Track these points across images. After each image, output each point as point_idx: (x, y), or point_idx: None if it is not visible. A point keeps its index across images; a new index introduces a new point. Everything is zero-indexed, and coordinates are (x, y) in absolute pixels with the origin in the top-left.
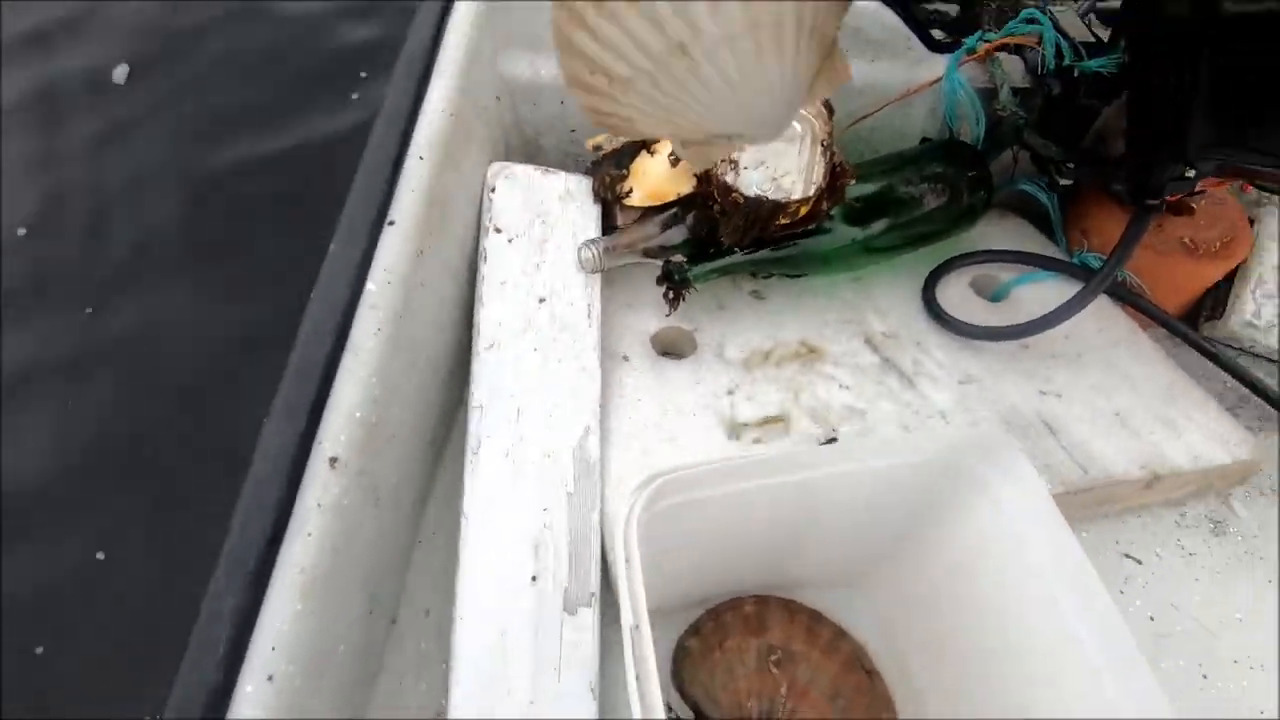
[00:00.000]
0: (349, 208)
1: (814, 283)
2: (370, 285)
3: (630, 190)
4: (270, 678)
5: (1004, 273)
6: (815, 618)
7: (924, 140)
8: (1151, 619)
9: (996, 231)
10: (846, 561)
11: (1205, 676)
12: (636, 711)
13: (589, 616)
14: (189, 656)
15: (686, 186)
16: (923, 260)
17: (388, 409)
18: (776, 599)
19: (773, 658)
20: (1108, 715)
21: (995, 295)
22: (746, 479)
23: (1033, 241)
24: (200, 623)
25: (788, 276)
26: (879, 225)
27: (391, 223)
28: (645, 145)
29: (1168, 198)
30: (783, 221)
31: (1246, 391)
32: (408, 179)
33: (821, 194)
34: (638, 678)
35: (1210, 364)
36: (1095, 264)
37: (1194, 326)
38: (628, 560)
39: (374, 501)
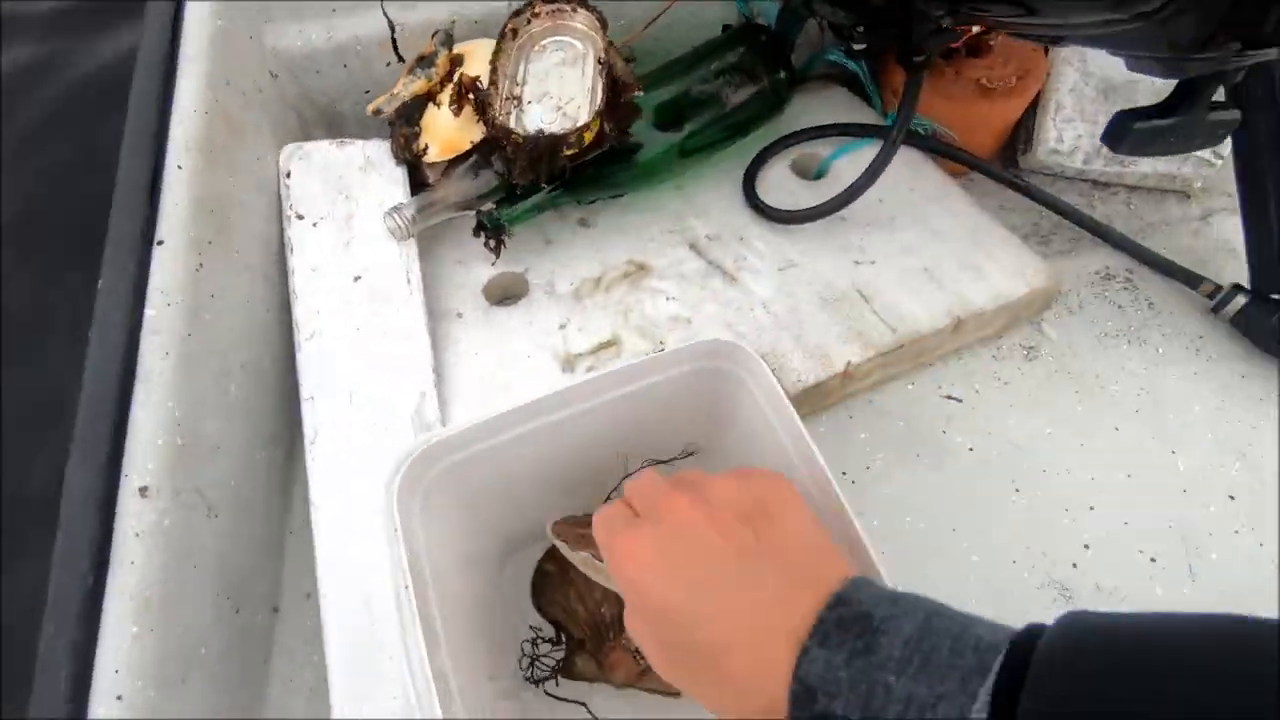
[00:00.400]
0: (111, 234)
1: (637, 199)
2: (149, 311)
3: (426, 146)
4: (119, 697)
5: (824, 149)
6: None
7: (725, 28)
8: (971, 450)
9: (819, 104)
10: (674, 468)
11: (1018, 490)
12: (417, 665)
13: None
14: (35, 694)
15: (479, 133)
16: (742, 153)
17: (199, 425)
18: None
19: None
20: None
21: (817, 173)
22: (518, 425)
23: (853, 109)
24: (39, 665)
25: (611, 198)
26: (689, 126)
27: (160, 243)
28: (430, 97)
29: (941, 48)
30: (569, 152)
31: (1059, 219)
32: (170, 193)
33: (600, 115)
34: (412, 636)
35: (1024, 197)
36: None
37: (1013, 163)
38: (395, 529)
39: (207, 513)
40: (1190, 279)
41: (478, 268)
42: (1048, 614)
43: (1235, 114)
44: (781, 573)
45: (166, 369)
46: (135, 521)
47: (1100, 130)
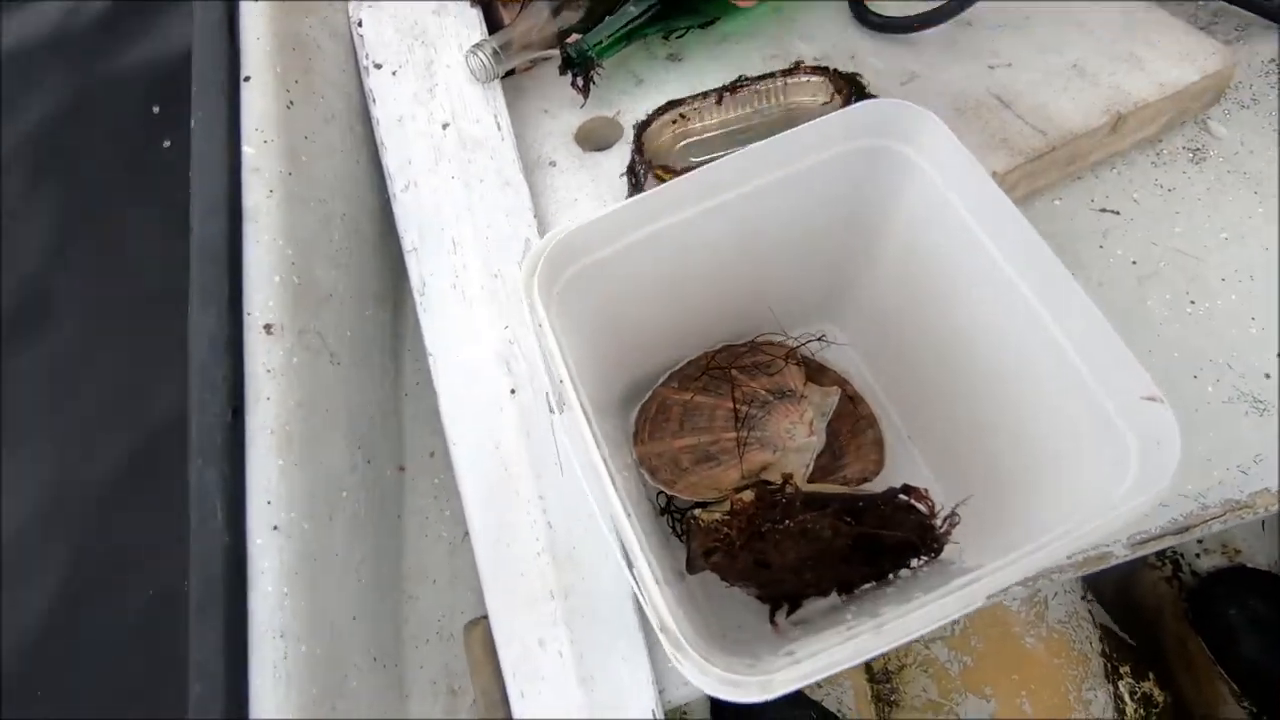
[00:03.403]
0: (196, 70)
1: (730, 27)
2: (247, 149)
3: None
4: (275, 527)
5: None
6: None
7: None
8: (1134, 263)
9: None
10: (810, 292)
11: (1193, 301)
12: (581, 456)
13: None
14: (194, 525)
15: None
16: None
17: (311, 268)
18: (756, 343)
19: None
20: (1047, 342)
21: None
22: (657, 217)
23: None
24: (192, 496)
25: (701, 27)
26: None
27: (247, 78)
28: None
29: None
30: None
31: (1220, 4)
32: (250, 28)
33: None
34: (580, 427)
35: None
36: None
37: None
38: (540, 324)
39: (329, 359)
40: None
41: (566, 115)
42: (1240, 428)
43: None
44: None
45: (272, 207)
46: (265, 358)
47: None
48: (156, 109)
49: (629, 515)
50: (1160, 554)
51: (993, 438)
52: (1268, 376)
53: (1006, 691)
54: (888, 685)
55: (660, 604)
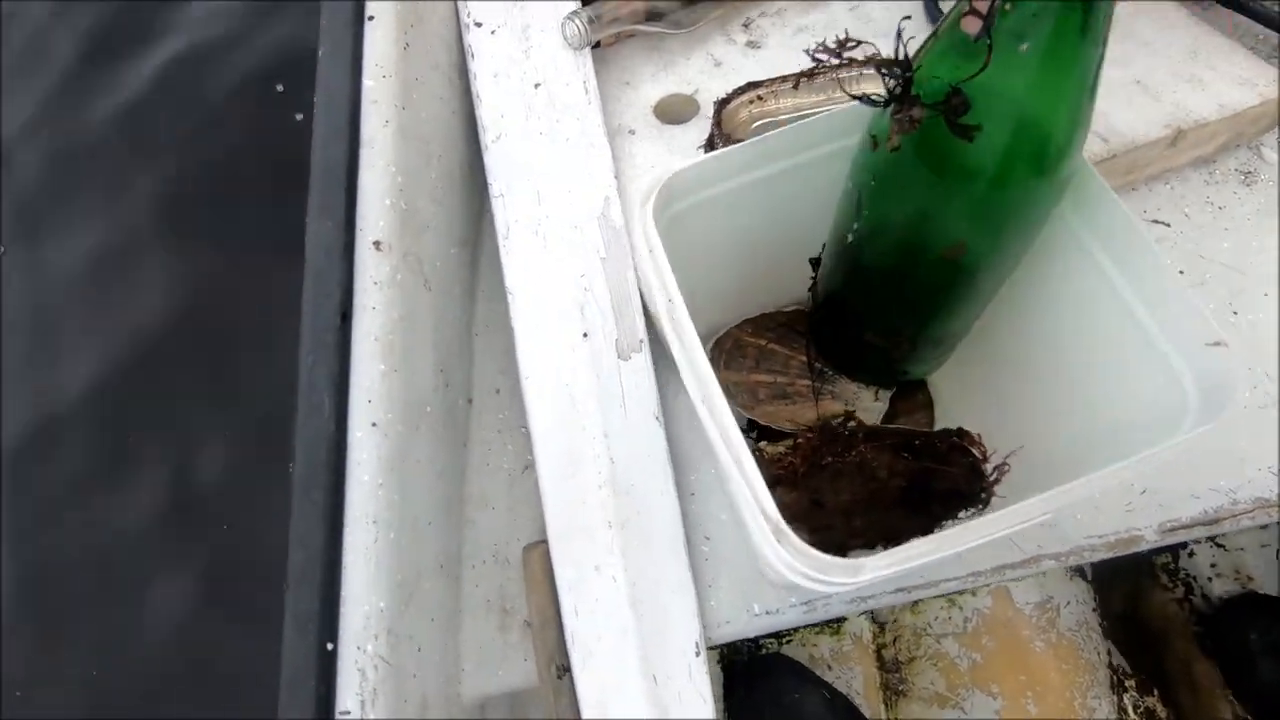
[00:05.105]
0: (325, 13)
1: (807, 17)
2: (367, 81)
3: None
4: (374, 424)
5: None
6: None
7: None
8: (1181, 272)
9: None
10: None
11: (1235, 312)
12: (687, 372)
13: (642, 360)
14: (299, 417)
15: None
16: None
17: (415, 198)
18: None
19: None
20: (1116, 300)
21: None
22: (755, 166)
23: None
24: (301, 390)
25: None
26: None
27: (370, 18)
28: None
29: None
30: None
31: None
32: None
33: None
34: (683, 347)
35: (1241, 17)
36: None
37: None
38: (651, 249)
39: (424, 284)
40: None
41: (646, 89)
42: (1274, 433)
43: None
44: None
45: (387, 136)
46: (374, 271)
47: None
48: (280, 88)
49: (730, 412)
50: (1173, 575)
51: (1047, 400)
52: None
53: (1013, 690)
54: (897, 675)
55: (763, 492)
